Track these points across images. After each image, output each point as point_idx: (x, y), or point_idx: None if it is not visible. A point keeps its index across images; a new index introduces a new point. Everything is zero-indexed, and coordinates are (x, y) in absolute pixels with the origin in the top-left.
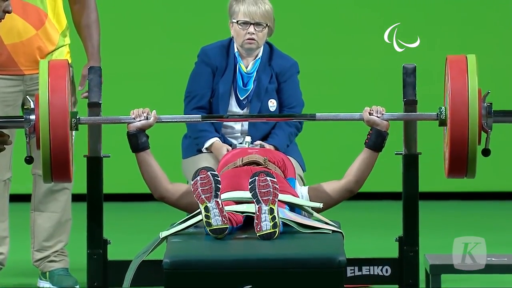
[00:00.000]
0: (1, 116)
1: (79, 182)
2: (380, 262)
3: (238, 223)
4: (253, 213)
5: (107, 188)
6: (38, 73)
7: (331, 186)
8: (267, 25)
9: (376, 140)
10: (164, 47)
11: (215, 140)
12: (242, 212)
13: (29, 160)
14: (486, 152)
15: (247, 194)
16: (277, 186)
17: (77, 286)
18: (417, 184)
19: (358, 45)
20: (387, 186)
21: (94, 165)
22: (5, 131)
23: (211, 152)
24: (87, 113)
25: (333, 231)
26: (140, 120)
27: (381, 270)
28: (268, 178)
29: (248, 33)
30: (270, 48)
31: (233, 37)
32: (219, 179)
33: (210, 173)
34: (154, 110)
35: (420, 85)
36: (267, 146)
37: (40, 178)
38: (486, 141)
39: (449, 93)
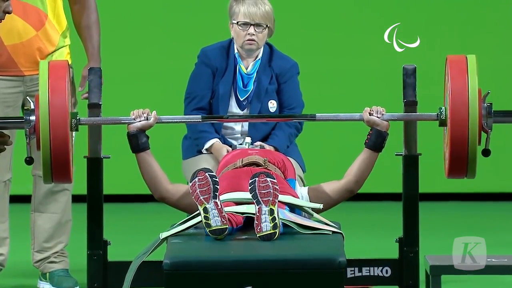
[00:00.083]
0: (1, 117)
1: (79, 183)
2: (380, 263)
3: (238, 224)
4: (253, 214)
5: (107, 189)
6: (38, 74)
7: (331, 187)
8: (267, 26)
9: (376, 140)
10: (164, 48)
11: (215, 141)
12: (242, 213)
13: (29, 160)
14: (486, 153)
15: (247, 195)
16: (277, 187)
17: (77, 287)
18: (417, 185)
19: (358, 45)
20: (387, 187)
21: (94, 166)
22: (5, 131)
23: (211, 153)
24: (87, 114)
25: (333, 232)
26: (140, 121)
27: (381, 271)
28: (268, 179)
29: (248, 34)
30: (270, 49)
31: (233, 38)
32: (217, 180)
33: (208, 174)
34: (154, 111)
35: (420, 85)
36: (267, 147)
37: (40, 179)
38: (486, 141)
39: (449, 93)
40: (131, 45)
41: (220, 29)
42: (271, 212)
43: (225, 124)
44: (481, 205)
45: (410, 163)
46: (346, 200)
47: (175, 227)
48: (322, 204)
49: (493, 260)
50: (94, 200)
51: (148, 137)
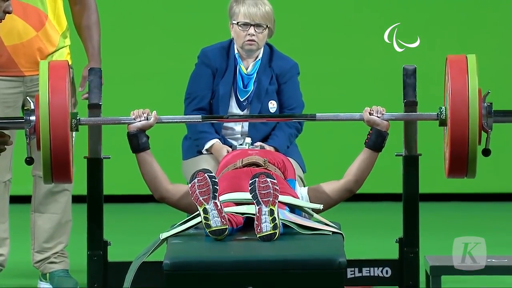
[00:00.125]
0: (1, 117)
1: (79, 183)
2: (380, 263)
3: (238, 225)
4: (253, 214)
5: (107, 190)
6: (38, 74)
7: (331, 186)
8: (267, 26)
9: (376, 140)
10: (164, 48)
11: (215, 141)
12: (242, 214)
13: (29, 161)
14: (486, 152)
15: (247, 196)
16: (277, 188)
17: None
18: (417, 185)
19: (358, 45)
20: (387, 188)
21: (94, 166)
22: (5, 132)
23: (211, 153)
24: (87, 115)
25: (333, 232)
26: (140, 121)
27: (382, 271)
28: (268, 180)
29: (249, 34)
30: (270, 49)
31: (233, 39)
32: (216, 180)
33: (207, 175)
34: (155, 111)
35: (420, 85)
36: (267, 147)
37: (40, 180)
38: (486, 141)
39: (449, 93)
40: (131, 45)
41: (220, 30)
42: (271, 212)
43: (225, 124)
44: (481, 205)
45: (410, 164)
46: (346, 200)
47: (175, 227)
48: (322, 205)
49: (493, 260)
50: (94, 201)
51: (148, 137)
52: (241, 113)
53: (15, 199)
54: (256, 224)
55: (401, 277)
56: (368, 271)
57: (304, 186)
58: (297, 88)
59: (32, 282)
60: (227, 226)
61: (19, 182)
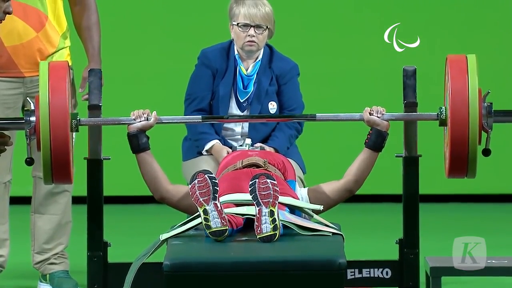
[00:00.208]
0: (2, 117)
1: (79, 184)
2: (380, 264)
3: (238, 226)
4: (253, 215)
5: (107, 191)
6: (38, 75)
7: (331, 187)
8: (267, 27)
9: (376, 140)
10: (164, 49)
11: (215, 142)
12: (242, 215)
13: (29, 161)
14: (486, 152)
15: (247, 196)
16: (277, 189)
17: None
18: (417, 186)
19: (358, 46)
20: (387, 189)
21: (94, 167)
22: (5, 132)
23: (211, 154)
24: (87, 116)
25: (333, 233)
26: (140, 121)
27: (382, 272)
28: (269, 181)
29: (249, 35)
30: (270, 50)
31: (233, 40)
32: (216, 181)
33: (208, 176)
34: (155, 111)
35: (420, 86)
36: (267, 148)
37: (40, 181)
38: (486, 141)
39: (449, 93)
40: (131, 46)
41: (220, 31)
42: (271, 213)
43: (225, 125)
44: (481, 206)
45: (410, 165)
46: (346, 201)
47: (175, 228)
48: (322, 206)
49: (493, 261)
50: (94, 202)
51: (148, 138)
52: (241, 114)
53: (15, 200)
54: (256, 225)
55: (401, 278)
56: (368, 272)
57: (304, 187)
58: (297, 89)
59: (32, 283)
60: (227, 227)
61: (19, 183)
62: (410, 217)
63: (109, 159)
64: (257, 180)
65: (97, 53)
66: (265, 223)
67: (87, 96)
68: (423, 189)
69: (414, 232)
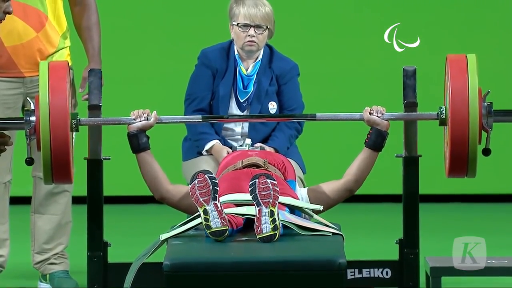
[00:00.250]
0: (2, 117)
1: (79, 184)
2: (380, 264)
3: (238, 226)
4: (253, 215)
5: (107, 191)
6: (38, 75)
7: (331, 186)
8: (267, 27)
9: (376, 140)
10: (164, 49)
11: (215, 142)
12: (242, 215)
13: (29, 161)
14: (486, 152)
15: (247, 197)
16: (277, 189)
17: None
18: (417, 187)
19: (358, 46)
20: (387, 189)
21: (94, 167)
22: (5, 132)
23: (211, 154)
24: (87, 116)
25: (334, 233)
26: (140, 121)
27: (382, 272)
28: (269, 181)
29: (249, 35)
30: (270, 50)
31: (233, 40)
32: (216, 181)
33: (208, 176)
34: (155, 111)
35: (420, 86)
36: (267, 148)
37: (41, 181)
38: (486, 140)
39: (449, 92)
40: (132, 46)
41: (220, 31)
42: (271, 213)
43: (225, 125)
44: (481, 206)
45: (411, 165)
46: (346, 201)
47: (175, 228)
48: (322, 206)
49: (493, 261)
50: (94, 202)
51: (148, 137)
52: (241, 114)
53: (15, 200)
54: (256, 225)
55: (401, 278)
56: (368, 272)
57: (304, 187)
58: (297, 89)
59: (32, 283)
60: (227, 227)
61: (19, 183)
62: (410, 217)
63: (109, 159)
64: (257, 180)
65: (97, 53)
66: (265, 223)
67: (87, 96)
68: (423, 189)
69: (414, 232)
